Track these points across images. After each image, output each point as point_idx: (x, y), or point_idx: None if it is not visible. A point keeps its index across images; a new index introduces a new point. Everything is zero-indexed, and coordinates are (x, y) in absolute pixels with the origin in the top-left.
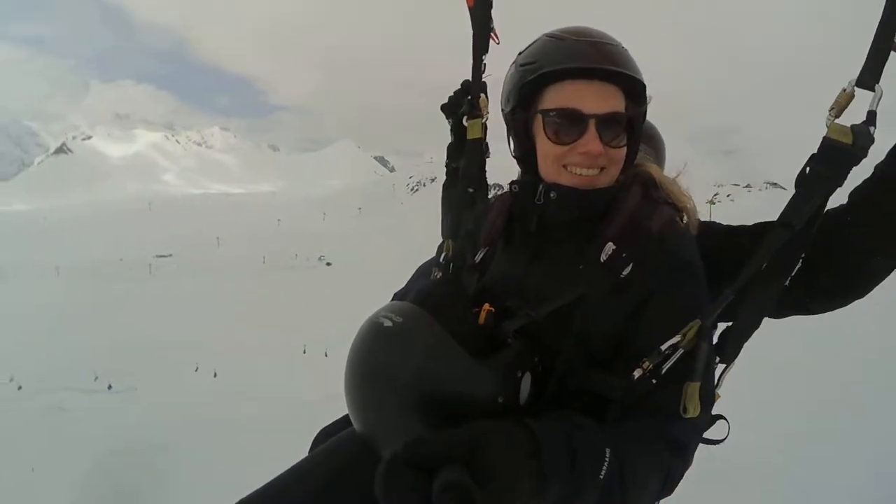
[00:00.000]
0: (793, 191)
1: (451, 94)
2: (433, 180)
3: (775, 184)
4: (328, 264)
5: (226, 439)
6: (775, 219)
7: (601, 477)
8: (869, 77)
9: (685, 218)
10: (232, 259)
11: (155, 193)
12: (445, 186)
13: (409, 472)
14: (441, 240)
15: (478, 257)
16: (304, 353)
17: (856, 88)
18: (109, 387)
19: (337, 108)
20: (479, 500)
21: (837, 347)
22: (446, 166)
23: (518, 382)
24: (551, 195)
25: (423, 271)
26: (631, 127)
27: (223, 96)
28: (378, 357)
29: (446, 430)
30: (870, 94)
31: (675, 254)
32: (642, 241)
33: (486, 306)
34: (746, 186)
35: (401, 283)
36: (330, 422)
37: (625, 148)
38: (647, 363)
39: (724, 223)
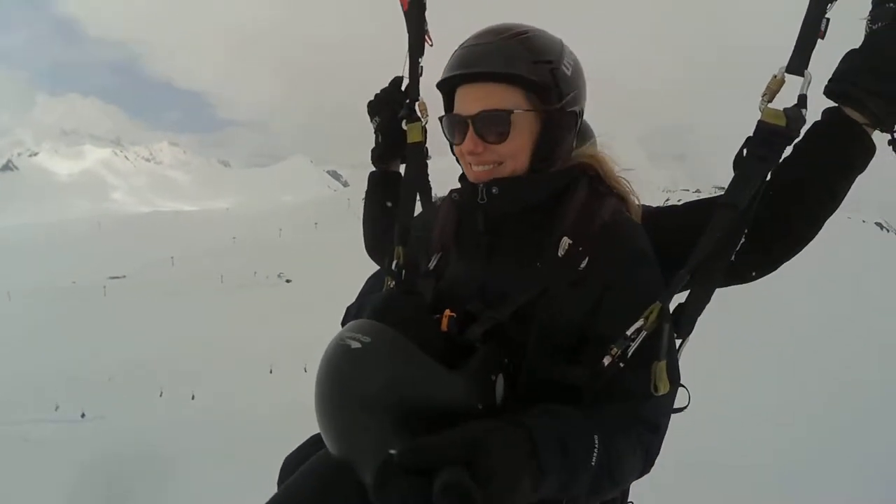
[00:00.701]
0: None
1: (378, 92)
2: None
3: (723, 188)
4: (288, 281)
5: (210, 462)
6: (707, 197)
7: (592, 464)
8: (798, 63)
9: (629, 207)
10: (188, 278)
11: (105, 212)
12: (369, 194)
13: (408, 475)
14: (365, 254)
15: (431, 263)
16: (271, 372)
17: (786, 74)
18: (83, 415)
19: (289, 123)
20: (480, 500)
21: (839, 348)
22: (371, 174)
23: (493, 385)
24: (493, 191)
25: (375, 281)
26: (528, 119)
27: (173, 111)
28: (351, 381)
29: (443, 433)
30: (799, 79)
31: (628, 244)
32: (596, 233)
33: (447, 312)
34: (696, 191)
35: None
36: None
37: (517, 141)
38: (615, 349)
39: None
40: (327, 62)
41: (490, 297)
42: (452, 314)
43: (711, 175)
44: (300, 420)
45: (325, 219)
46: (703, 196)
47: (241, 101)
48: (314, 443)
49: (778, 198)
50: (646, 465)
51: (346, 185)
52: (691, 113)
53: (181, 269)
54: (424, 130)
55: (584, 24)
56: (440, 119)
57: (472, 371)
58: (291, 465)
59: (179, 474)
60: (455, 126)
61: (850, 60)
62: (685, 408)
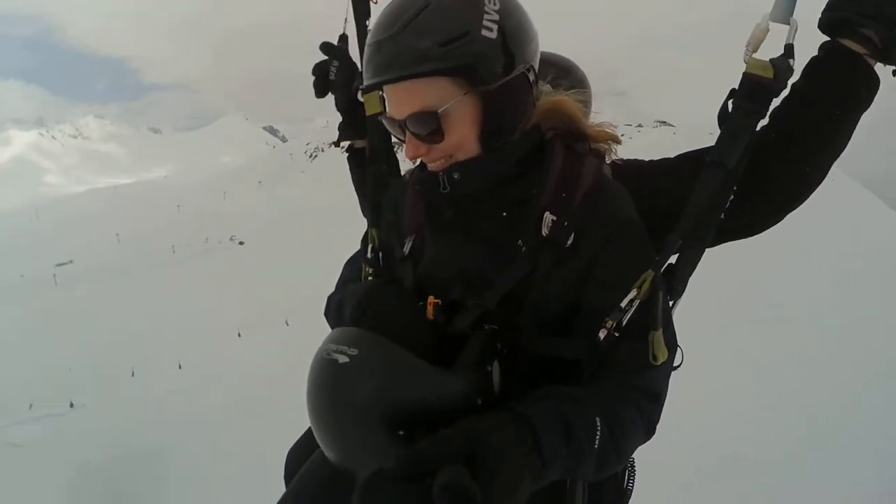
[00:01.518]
0: (679, 127)
1: (320, 64)
2: (331, 145)
3: (664, 122)
4: (241, 243)
5: (207, 436)
6: (692, 150)
7: (596, 446)
8: (782, 11)
9: (609, 161)
10: (138, 254)
11: (40, 198)
12: (352, 168)
13: (396, 483)
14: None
15: (406, 248)
16: (239, 336)
17: (770, 23)
18: (71, 404)
19: (217, 82)
20: (481, 499)
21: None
22: (347, 149)
23: (490, 376)
24: (455, 176)
25: (353, 268)
26: (464, 106)
27: (96, 81)
28: (343, 397)
29: (440, 432)
30: (784, 28)
31: (615, 213)
32: (578, 205)
33: (431, 299)
34: (638, 126)
35: (319, 252)
36: (294, 434)
37: (458, 133)
38: (609, 322)
39: (644, 159)
40: (252, 15)
41: (472, 280)
42: (437, 301)
43: (650, 112)
44: (274, 384)
45: (268, 177)
46: (644, 130)
47: (164, 62)
48: (312, 437)
49: (779, 142)
50: (648, 433)
51: (284, 140)
52: (621, 58)
53: (129, 246)
54: (382, 100)
55: None
56: (378, 117)
57: (468, 367)
58: (294, 462)
59: (177, 454)
60: (393, 127)
61: None
62: (679, 366)
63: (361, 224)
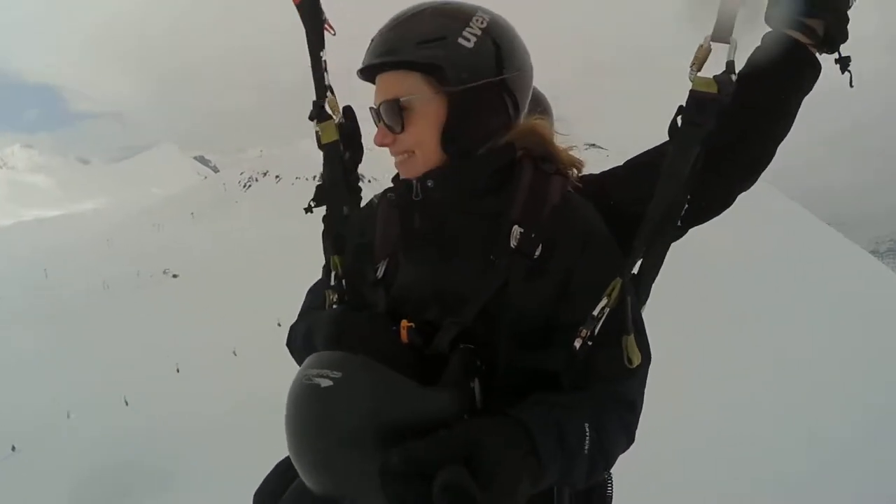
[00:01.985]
0: (611, 150)
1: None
2: (265, 174)
3: (594, 144)
4: (174, 276)
5: (162, 474)
6: (637, 156)
7: (585, 452)
8: (722, 31)
9: (572, 182)
10: (68, 290)
11: None
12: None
13: (406, 477)
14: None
15: (379, 272)
16: (178, 371)
17: (712, 43)
18: (13, 447)
19: (149, 111)
20: (481, 500)
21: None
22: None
23: (473, 392)
24: (428, 184)
25: (315, 297)
26: (429, 104)
27: (25, 110)
28: (331, 420)
29: (440, 433)
30: (725, 46)
31: (580, 226)
32: (546, 219)
33: (405, 323)
34: (571, 148)
35: (255, 283)
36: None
37: (417, 128)
38: (584, 331)
39: (595, 173)
40: (186, 44)
41: (447, 299)
42: (411, 324)
43: (581, 135)
44: (219, 421)
45: (201, 208)
46: (575, 151)
47: (97, 92)
48: (281, 474)
49: (728, 123)
50: (628, 442)
51: (216, 170)
52: (557, 86)
53: (57, 281)
54: (339, 128)
55: None
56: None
57: (452, 384)
58: (266, 500)
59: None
60: (372, 116)
61: None
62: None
63: (303, 255)
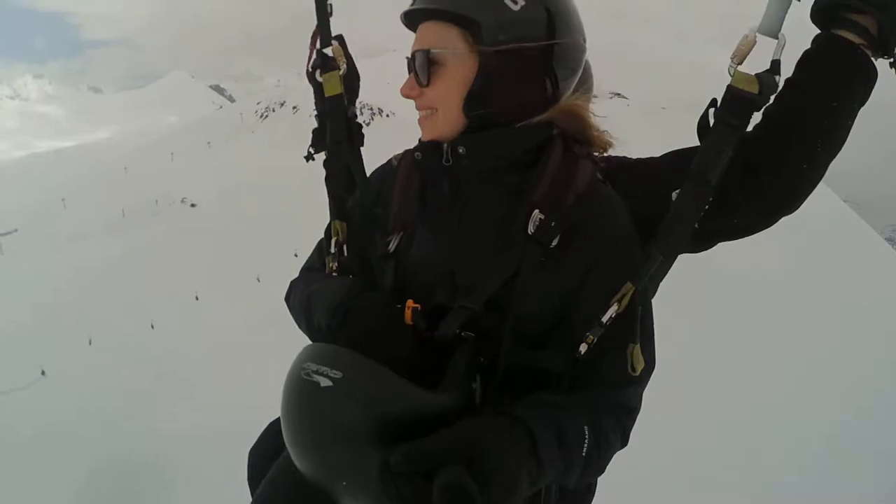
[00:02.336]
0: (632, 100)
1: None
2: (283, 104)
3: (619, 94)
4: (193, 205)
5: (178, 396)
6: (680, 149)
7: (583, 454)
8: (771, 24)
9: (599, 166)
10: (86, 219)
11: None
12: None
13: (407, 476)
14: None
15: (391, 245)
16: (197, 299)
17: (758, 35)
18: (43, 372)
19: (162, 37)
20: (481, 500)
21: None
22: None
23: (474, 393)
24: (460, 150)
25: (321, 256)
26: (461, 61)
27: (34, 38)
28: (331, 421)
29: (440, 432)
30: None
31: (604, 221)
32: (569, 207)
33: (410, 303)
34: (594, 96)
35: (273, 212)
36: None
37: (444, 85)
38: (590, 336)
39: (632, 158)
40: None
41: (459, 280)
42: (416, 306)
43: (605, 83)
44: (233, 347)
45: (217, 138)
46: (599, 101)
47: (105, 16)
48: (276, 434)
49: (775, 139)
50: (623, 444)
51: (231, 100)
52: (591, 27)
53: (75, 211)
54: (342, 79)
55: None
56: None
57: (455, 385)
58: (260, 462)
59: (149, 416)
60: (408, 64)
61: None
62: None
63: (321, 187)
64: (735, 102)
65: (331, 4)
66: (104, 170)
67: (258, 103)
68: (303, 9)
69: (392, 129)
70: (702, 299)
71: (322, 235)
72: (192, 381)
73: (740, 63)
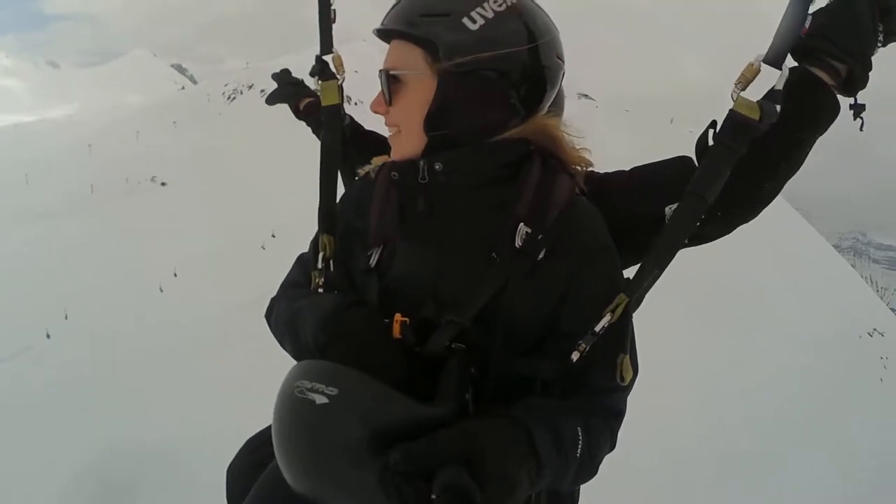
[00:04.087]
0: (599, 101)
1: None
2: (251, 87)
3: (586, 95)
4: (163, 184)
5: (165, 374)
6: (645, 164)
7: (578, 455)
8: (776, 56)
9: (579, 182)
10: (53, 196)
11: None
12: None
13: (406, 477)
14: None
15: (372, 260)
16: (175, 276)
17: (762, 64)
18: (48, 335)
19: (124, 14)
20: (481, 500)
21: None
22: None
23: (467, 403)
24: (436, 167)
25: (303, 271)
26: (421, 81)
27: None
28: (329, 439)
29: (439, 432)
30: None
31: (587, 235)
32: (552, 222)
33: (398, 317)
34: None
35: (245, 195)
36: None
37: (404, 104)
38: (583, 346)
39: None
40: None
41: (444, 295)
42: (404, 319)
43: (573, 84)
44: (203, 342)
45: (183, 118)
46: (567, 101)
47: None
48: (252, 451)
49: (743, 160)
50: (611, 448)
51: (193, 81)
52: (560, 24)
53: (39, 188)
54: (341, 90)
55: None
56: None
57: (449, 398)
58: (240, 480)
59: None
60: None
61: (819, 19)
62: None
63: (286, 168)
64: (736, 127)
65: (334, 10)
66: (67, 147)
67: (225, 85)
68: None
69: (361, 118)
70: (676, 304)
71: (297, 202)
72: (170, 361)
73: (744, 89)
